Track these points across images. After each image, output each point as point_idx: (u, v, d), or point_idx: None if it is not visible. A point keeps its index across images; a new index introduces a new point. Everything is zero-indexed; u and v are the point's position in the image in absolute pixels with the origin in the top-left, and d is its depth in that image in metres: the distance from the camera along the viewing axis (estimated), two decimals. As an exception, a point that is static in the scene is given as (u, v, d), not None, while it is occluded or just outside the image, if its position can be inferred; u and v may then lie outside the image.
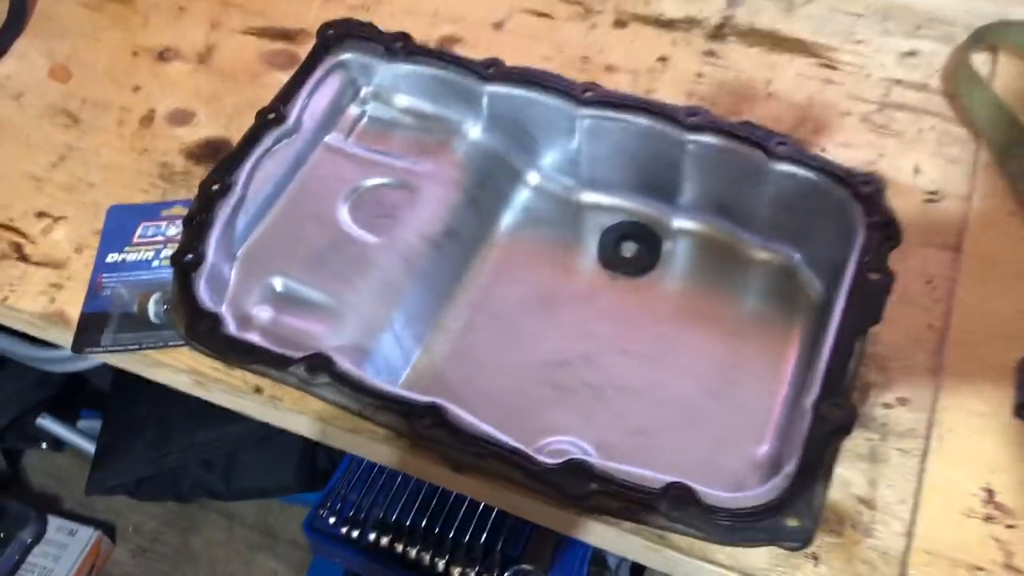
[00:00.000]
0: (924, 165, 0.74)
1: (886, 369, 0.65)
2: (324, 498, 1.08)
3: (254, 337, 0.64)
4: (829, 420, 0.53)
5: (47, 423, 1.39)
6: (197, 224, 0.66)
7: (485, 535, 1.04)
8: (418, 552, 1.05)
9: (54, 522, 1.53)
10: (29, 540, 1.49)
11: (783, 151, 0.64)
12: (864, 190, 0.62)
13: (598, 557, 1.09)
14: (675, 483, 0.53)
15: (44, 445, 1.45)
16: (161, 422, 0.97)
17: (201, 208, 0.67)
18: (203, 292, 0.63)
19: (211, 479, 0.94)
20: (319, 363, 0.59)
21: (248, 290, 0.67)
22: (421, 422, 0.56)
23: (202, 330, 0.61)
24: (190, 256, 0.65)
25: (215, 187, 0.68)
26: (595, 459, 0.55)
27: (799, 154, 0.64)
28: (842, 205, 0.63)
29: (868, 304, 0.57)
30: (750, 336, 0.68)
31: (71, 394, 1.39)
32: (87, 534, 1.50)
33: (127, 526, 1.57)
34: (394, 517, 1.06)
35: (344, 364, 0.59)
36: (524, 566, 1.01)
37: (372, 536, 1.05)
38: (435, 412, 0.56)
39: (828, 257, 0.65)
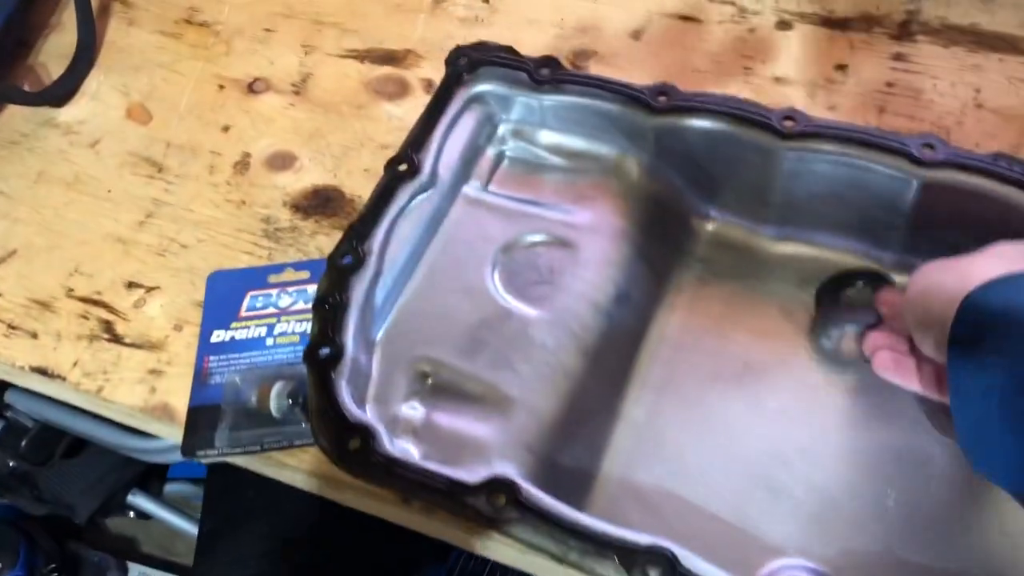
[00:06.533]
0: None
1: None
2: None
3: (407, 445, 0.53)
4: None
5: (138, 500, 1.31)
6: (331, 308, 0.54)
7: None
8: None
9: (135, 569, 1.44)
10: (110, 589, 1.42)
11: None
12: None
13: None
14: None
15: (132, 514, 1.36)
16: (271, 506, 0.86)
17: (333, 287, 0.55)
18: (346, 397, 0.51)
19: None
20: (500, 490, 0.47)
21: (393, 385, 0.55)
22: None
23: (353, 450, 0.49)
24: (327, 350, 0.53)
25: (347, 260, 0.56)
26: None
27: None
28: None
29: None
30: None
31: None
32: (170, 581, 1.42)
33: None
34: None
35: (532, 492, 0.47)
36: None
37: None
38: (663, 560, 0.44)
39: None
